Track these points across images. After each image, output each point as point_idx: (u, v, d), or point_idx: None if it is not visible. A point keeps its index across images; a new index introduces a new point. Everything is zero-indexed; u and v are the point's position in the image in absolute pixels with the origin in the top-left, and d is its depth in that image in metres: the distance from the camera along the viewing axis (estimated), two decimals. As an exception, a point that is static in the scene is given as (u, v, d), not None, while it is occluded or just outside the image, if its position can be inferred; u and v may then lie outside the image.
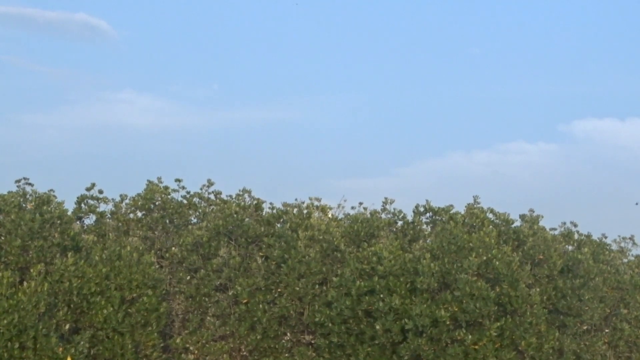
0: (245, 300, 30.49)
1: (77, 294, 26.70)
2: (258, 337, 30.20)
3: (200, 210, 33.16)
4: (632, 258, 36.84)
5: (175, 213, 32.33)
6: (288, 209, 32.40)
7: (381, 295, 29.32)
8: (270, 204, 32.87)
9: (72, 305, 26.71)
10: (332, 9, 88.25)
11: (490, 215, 32.94)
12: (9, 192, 29.08)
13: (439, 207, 33.52)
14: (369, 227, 32.02)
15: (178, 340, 30.20)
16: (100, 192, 32.17)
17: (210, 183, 33.60)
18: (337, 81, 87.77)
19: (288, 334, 30.93)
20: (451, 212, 32.98)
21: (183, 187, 33.12)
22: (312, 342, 31.01)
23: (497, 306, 29.25)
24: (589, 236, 35.65)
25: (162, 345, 28.86)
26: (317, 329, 30.38)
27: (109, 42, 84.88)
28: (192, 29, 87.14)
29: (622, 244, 36.88)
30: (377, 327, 29.11)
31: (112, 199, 32.51)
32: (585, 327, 32.73)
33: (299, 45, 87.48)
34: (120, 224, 31.83)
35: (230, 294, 30.81)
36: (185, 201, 32.98)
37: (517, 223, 33.84)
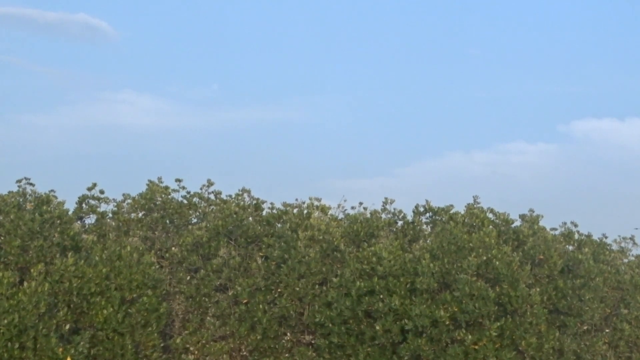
0: (245, 301, 30.49)
1: (77, 294, 26.67)
2: (258, 337, 30.20)
3: (200, 210, 33.16)
4: (633, 258, 36.76)
5: (175, 213, 32.34)
6: (288, 209, 32.38)
7: (381, 296, 29.32)
8: (271, 204, 32.92)
9: (72, 306, 26.67)
10: (331, 9, 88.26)
11: (490, 215, 32.89)
12: (9, 192, 29.08)
13: (438, 207, 33.48)
14: (368, 227, 32.00)
15: (178, 341, 30.21)
16: (102, 192, 32.19)
17: (210, 183, 33.61)
18: (336, 81, 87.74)
19: (288, 334, 30.91)
20: (451, 212, 32.94)
21: (183, 187, 33.15)
22: (312, 342, 30.99)
23: (497, 306, 29.23)
24: (589, 236, 35.58)
25: (162, 345, 28.82)
26: (317, 329, 30.37)
27: (109, 42, 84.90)
28: (192, 29, 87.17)
29: (623, 244, 36.81)
30: (377, 327, 29.10)
31: (114, 199, 32.54)
32: (585, 327, 32.68)
33: (299, 45, 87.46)
34: (120, 224, 31.83)
35: (230, 294, 30.80)
36: (185, 201, 32.98)
37: (517, 223, 33.82)
